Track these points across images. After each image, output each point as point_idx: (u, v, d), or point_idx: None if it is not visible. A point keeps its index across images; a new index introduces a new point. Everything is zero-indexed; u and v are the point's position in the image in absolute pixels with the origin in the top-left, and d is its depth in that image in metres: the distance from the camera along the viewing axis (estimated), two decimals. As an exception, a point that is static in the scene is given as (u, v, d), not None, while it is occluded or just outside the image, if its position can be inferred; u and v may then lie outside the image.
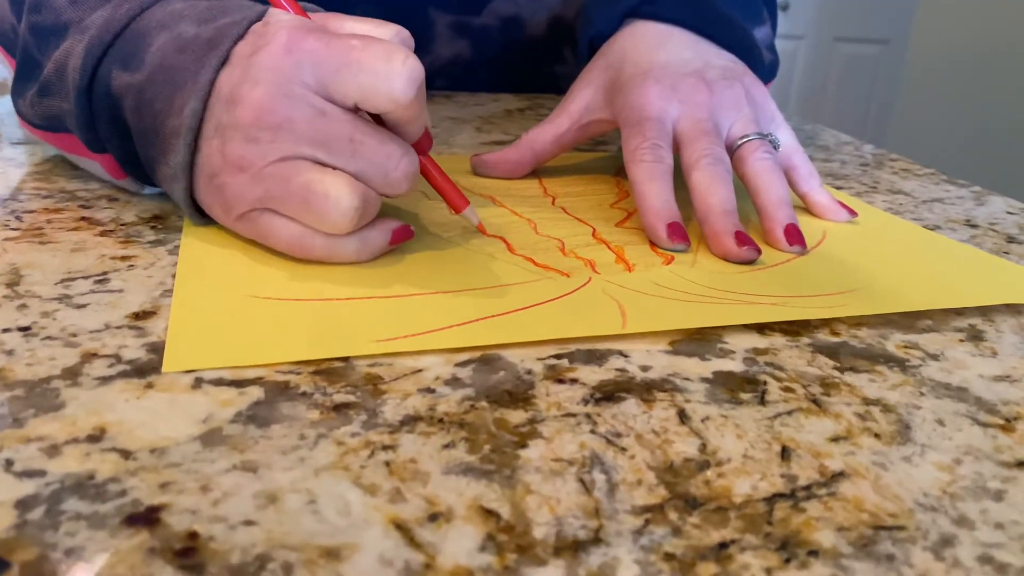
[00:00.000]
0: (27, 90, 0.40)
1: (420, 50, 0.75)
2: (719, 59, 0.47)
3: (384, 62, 0.31)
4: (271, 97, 0.31)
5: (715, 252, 0.37)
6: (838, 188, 0.51)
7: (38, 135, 0.42)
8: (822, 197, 0.45)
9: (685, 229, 0.38)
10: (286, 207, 0.32)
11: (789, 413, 0.25)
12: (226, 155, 0.32)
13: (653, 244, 0.38)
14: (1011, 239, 0.44)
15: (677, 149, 0.43)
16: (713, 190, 0.39)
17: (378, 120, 0.34)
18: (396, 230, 0.35)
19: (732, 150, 0.43)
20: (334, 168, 0.32)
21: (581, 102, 0.47)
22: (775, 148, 0.44)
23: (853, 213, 0.44)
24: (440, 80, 0.78)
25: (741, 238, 0.37)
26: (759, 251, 0.37)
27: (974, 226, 0.46)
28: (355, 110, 0.32)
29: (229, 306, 0.29)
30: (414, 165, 0.33)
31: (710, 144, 0.41)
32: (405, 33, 0.34)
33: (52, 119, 0.39)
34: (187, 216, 0.36)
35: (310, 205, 0.32)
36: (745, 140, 0.42)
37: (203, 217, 0.36)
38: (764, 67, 0.52)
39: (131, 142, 0.36)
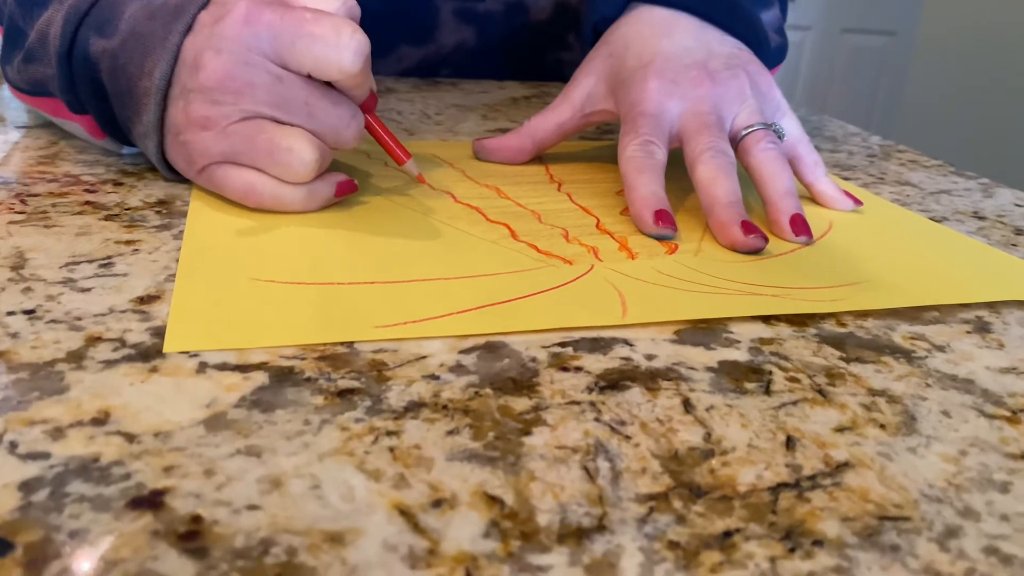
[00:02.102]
0: (14, 57, 0.43)
1: (425, 38, 0.75)
2: (723, 47, 0.46)
3: (334, 35, 0.35)
4: (232, 64, 0.35)
5: (722, 243, 0.37)
6: (845, 179, 0.51)
7: (26, 100, 0.45)
8: (827, 187, 0.45)
9: (673, 217, 0.38)
10: (252, 160, 0.36)
11: (794, 403, 0.25)
12: (190, 115, 0.36)
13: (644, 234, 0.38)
14: (1019, 231, 0.43)
15: (679, 144, 0.42)
16: (717, 182, 0.39)
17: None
18: (340, 183, 0.38)
19: (736, 141, 0.43)
20: (292, 126, 0.36)
21: (583, 91, 0.47)
22: (780, 138, 0.43)
23: (858, 202, 0.44)
24: (445, 68, 0.77)
25: (747, 227, 0.37)
26: (766, 239, 0.37)
27: (982, 218, 0.45)
28: (308, 77, 0.36)
29: (231, 289, 0.29)
30: (361, 124, 0.38)
31: (712, 137, 0.41)
32: (352, 3, 0.37)
33: (37, 84, 0.42)
34: (160, 170, 0.40)
35: (275, 158, 0.36)
36: (749, 131, 0.42)
37: (172, 172, 0.40)
38: (771, 51, 0.51)
39: (108, 104, 0.39)
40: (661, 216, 0.38)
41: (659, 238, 0.38)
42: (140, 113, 0.38)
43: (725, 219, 0.37)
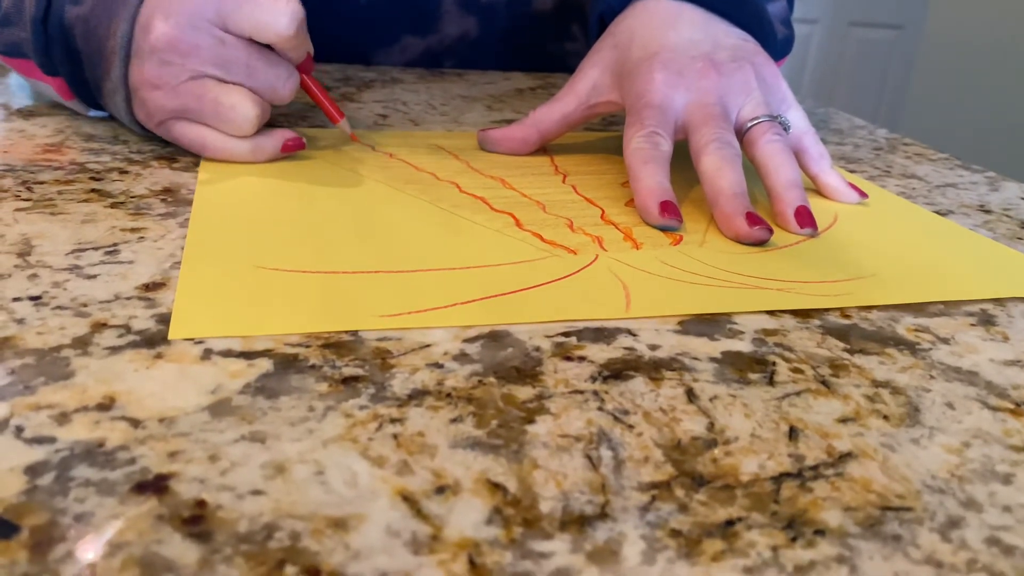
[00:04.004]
0: None
1: (428, 28, 0.75)
2: (729, 38, 0.46)
3: (272, 2, 0.39)
4: (179, 28, 0.39)
5: (726, 234, 0.37)
6: (851, 171, 0.51)
7: (3, 60, 0.48)
8: (832, 179, 0.44)
9: (678, 208, 0.38)
10: (200, 116, 0.41)
11: (798, 394, 0.25)
12: (144, 75, 0.40)
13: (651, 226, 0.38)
14: (1025, 225, 0.43)
15: (684, 136, 0.42)
16: (722, 173, 0.39)
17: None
18: (288, 140, 0.43)
19: (742, 133, 0.42)
20: (234, 84, 0.40)
21: (588, 82, 0.47)
22: (785, 129, 0.43)
23: (864, 195, 0.44)
24: (449, 59, 0.77)
25: (752, 218, 0.36)
26: (771, 231, 0.37)
27: (988, 212, 0.45)
28: (249, 40, 0.40)
29: (237, 276, 0.29)
30: (296, 82, 0.43)
31: (718, 129, 0.41)
32: None
33: (12, 46, 0.46)
34: (128, 125, 0.44)
35: (220, 114, 0.40)
36: (755, 123, 0.42)
37: (139, 126, 0.44)
38: (777, 43, 0.51)
39: (80, 67, 0.43)
40: (666, 207, 0.38)
41: (664, 229, 0.38)
42: (108, 71, 0.41)
43: (730, 210, 0.37)
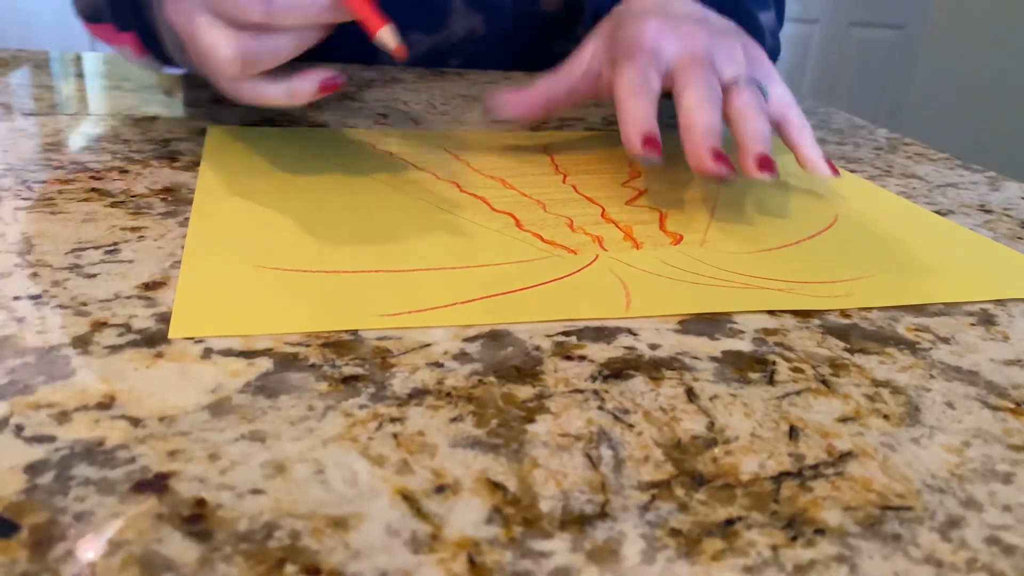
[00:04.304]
0: None
1: (436, 26, 0.75)
2: (721, 21, 0.47)
3: None
4: None
5: (692, 165, 0.38)
6: (852, 171, 0.51)
7: (91, 28, 0.50)
8: (810, 151, 0.45)
9: (660, 142, 0.38)
10: (203, 66, 0.37)
11: (798, 393, 0.25)
12: (166, 13, 0.39)
13: (663, 223, 0.38)
14: (1025, 225, 0.43)
15: (671, 83, 0.43)
16: (701, 110, 0.39)
17: None
18: (325, 80, 0.37)
19: (724, 90, 0.43)
20: (219, 17, 0.35)
21: (588, 51, 0.48)
22: (764, 95, 0.44)
23: (836, 172, 0.44)
24: (455, 58, 0.77)
25: (717, 156, 0.37)
26: (733, 171, 0.37)
27: (988, 211, 0.45)
28: None
29: (237, 275, 0.29)
30: None
31: (705, 73, 0.41)
32: None
33: (94, 10, 0.48)
34: (188, 69, 0.44)
35: (207, 61, 0.36)
36: (735, 83, 0.43)
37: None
38: (766, 48, 0.52)
39: (143, 15, 0.43)
40: (648, 140, 0.38)
41: (645, 163, 0.38)
42: (156, 13, 0.41)
43: (699, 143, 0.38)
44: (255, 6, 0.34)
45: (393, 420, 0.22)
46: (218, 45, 0.35)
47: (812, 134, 0.45)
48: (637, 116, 0.39)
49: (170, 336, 0.25)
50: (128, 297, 0.28)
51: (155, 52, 0.45)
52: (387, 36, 0.36)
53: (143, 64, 0.48)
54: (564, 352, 0.26)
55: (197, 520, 0.18)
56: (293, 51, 0.37)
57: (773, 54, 0.58)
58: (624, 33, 0.45)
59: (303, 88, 0.37)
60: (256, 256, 0.31)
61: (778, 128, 0.44)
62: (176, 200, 0.37)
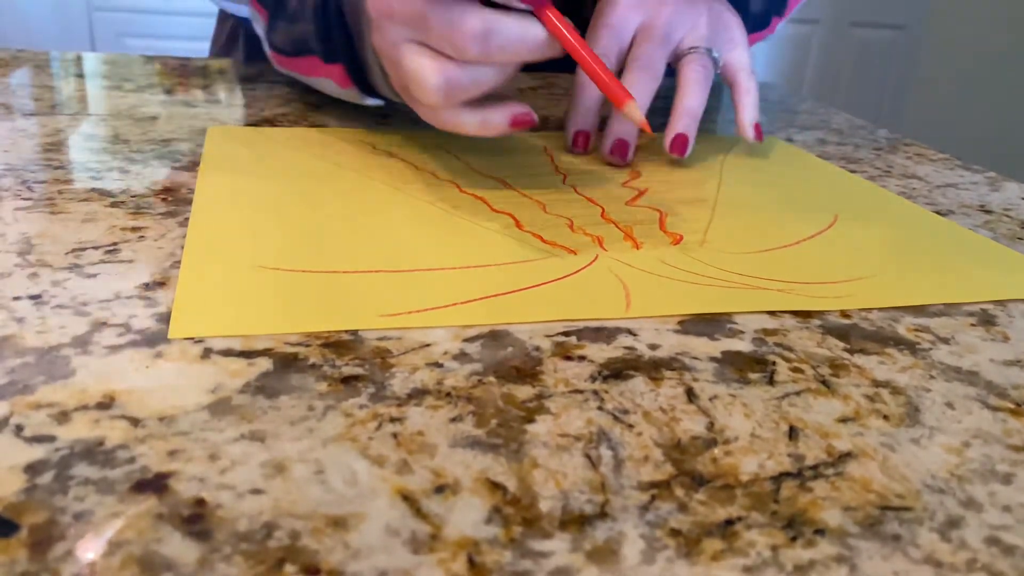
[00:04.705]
0: (280, 26, 0.49)
1: None
2: None
3: None
4: None
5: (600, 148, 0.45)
6: (852, 171, 0.51)
7: (287, 64, 0.50)
8: (744, 114, 0.49)
9: (590, 138, 0.47)
10: (407, 91, 0.38)
11: (797, 393, 0.25)
12: (374, 41, 0.39)
13: (662, 223, 0.38)
14: (1025, 225, 0.43)
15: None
16: (632, 89, 0.44)
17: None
18: (517, 114, 0.37)
19: (679, 59, 0.48)
20: (427, 46, 0.35)
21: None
22: (716, 63, 0.48)
23: (760, 138, 0.50)
24: None
25: (577, 138, 0.44)
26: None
27: (988, 212, 0.45)
28: None
29: (237, 276, 0.29)
30: (477, 23, 0.33)
31: (650, 49, 0.46)
32: None
33: (299, 43, 0.47)
34: (394, 99, 0.44)
35: (410, 85, 0.36)
36: (689, 52, 0.48)
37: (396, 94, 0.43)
38: (749, 13, 0.56)
39: (354, 48, 0.44)
40: (577, 139, 0.47)
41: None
42: (363, 43, 0.41)
43: (615, 126, 0.45)
44: (472, 47, 0.34)
45: (393, 420, 0.22)
46: (424, 74, 0.35)
47: (755, 99, 0.50)
48: (577, 112, 0.45)
49: (170, 336, 0.25)
50: (128, 297, 0.28)
51: (360, 83, 0.46)
52: (633, 111, 0.36)
53: (346, 95, 0.47)
54: (564, 352, 0.26)
55: (197, 520, 0.18)
56: (497, 82, 0.37)
57: (763, 18, 0.60)
58: (599, 6, 0.49)
59: (496, 121, 0.37)
60: (256, 256, 0.31)
61: (731, 90, 0.50)
62: (176, 200, 0.37)
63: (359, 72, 0.45)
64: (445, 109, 0.37)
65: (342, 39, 0.43)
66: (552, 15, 0.35)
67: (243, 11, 0.59)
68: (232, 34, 0.80)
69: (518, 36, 0.34)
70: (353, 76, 0.45)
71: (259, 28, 0.55)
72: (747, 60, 0.50)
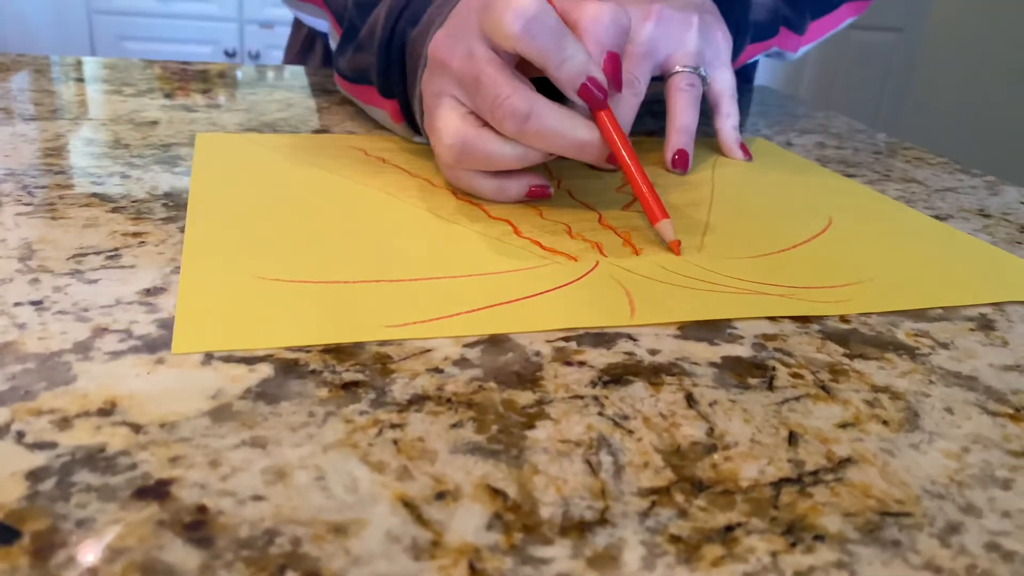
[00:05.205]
0: (348, 51, 0.49)
1: None
2: None
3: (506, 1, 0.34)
4: (442, 39, 0.37)
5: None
6: (850, 175, 0.51)
7: (346, 87, 0.51)
8: (727, 136, 0.50)
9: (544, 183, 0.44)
10: (433, 140, 0.38)
11: (797, 399, 0.25)
12: (421, 84, 0.39)
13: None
14: (1024, 229, 0.43)
15: None
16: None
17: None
18: (533, 186, 0.38)
19: (666, 77, 0.48)
20: (463, 106, 0.36)
21: None
22: (703, 82, 0.48)
23: (748, 156, 0.50)
24: None
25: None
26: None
27: (987, 216, 0.45)
28: (505, 54, 0.35)
29: (238, 287, 0.29)
30: (523, 103, 0.34)
31: (631, 66, 0.45)
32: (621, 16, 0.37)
33: (360, 72, 0.48)
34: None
35: (432, 136, 0.37)
36: (676, 71, 0.48)
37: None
38: (747, 22, 0.55)
39: (407, 86, 0.43)
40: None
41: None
42: (415, 84, 0.41)
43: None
44: (510, 123, 0.34)
45: (393, 426, 0.22)
46: (446, 131, 0.36)
47: (736, 123, 0.51)
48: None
49: (173, 352, 0.25)
50: (129, 303, 0.28)
51: (410, 122, 0.46)
52: (666, 229, 0.36)
53: (398, 130, 0.48)
54: (564, 358, 0.26)
55: (198, 527, 0.18)
56: (514, 165, 0.37)
57: (767, 28, 0.60)
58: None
59: (513, 191, 0.38)
60: (255, 267, 0.31)
61: (712, 112, 0.51)
62: (177, 205, 0.37)
63: (410, 111, 0.45)
64: (457, 170, 0.38)
65: (399, 77, 0.43)
66: (607, 118, 0.36)
67: (320, 24, 0.59)
68: (307, 43, 0.80)
69: (558, 129, 0.35)
70: (405, 112, 0.45)
71: (333, 44, 0.55)
72: (730, 82, 0.50)
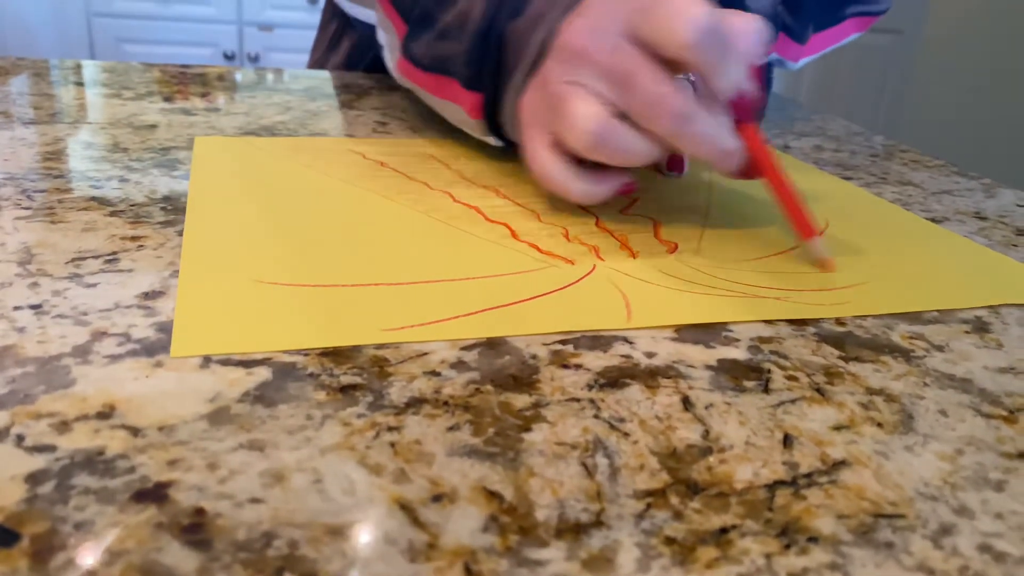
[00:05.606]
0: (423, 36, 0.48)
1: None
2: None
3: (684, 4, 0.33)
4: (582, 28, 0.36)
5: None
6: (847, 178, 0.51)
7: (414, 75, 0.50)
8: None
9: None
10: (551, 126, 0.37)
11: (792, 401, 0.25)
12: (540, 71, 0.38)
13: (657, 232, 0.38)
14: (1020, 232, 0.44)
15: None
16: None
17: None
18: (624, 183, 0.39)
19: None
20: (611, 103, 0.35)
21: None
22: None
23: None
24: None
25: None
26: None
27: (983, 218, 0.45)
28: (655, 55, 0.35)
29: (235, 291, 0.29)
30: (684, 105, 0.34)
31: None
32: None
33: (439, 60, 0.46)
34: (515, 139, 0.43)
35: (563, 124, 0.36)
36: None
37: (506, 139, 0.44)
38: None
39: (500, 82, 0.42)
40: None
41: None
42: (515, 76, 0.40)
43: None
44: (670, 123, 0.34)
45: (391, 429, 0.22)
46: (585, 116, 0.35)
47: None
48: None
49: (172, 355, 0.25)
50: (128, 306, 0.28)
51: (489, 119, 0.44)
52: (818, 247, 0.36)
53: (471, 125, 0.46)
54: (561, 361, 0.26)
55: (196, 529, 0.18)
56: (642, 162, 0.36)
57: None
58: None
59: (598, 189, 0.38)
60: (253, 270, 0.31)
61: None
62: (175, 209, 0.37)
63: (492, 107, 0.44)
64: (564, 163, 0.37)
65: (492, 69, 0.42)
66: (754, 132, 0.36)
67: (361, 14, 0.58)
68: (333, 41, 0.79)
69: (711, 134, 0.35)
70: (488, 108, 0.44)
71: (387, 36, 0.54)
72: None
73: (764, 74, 0.71)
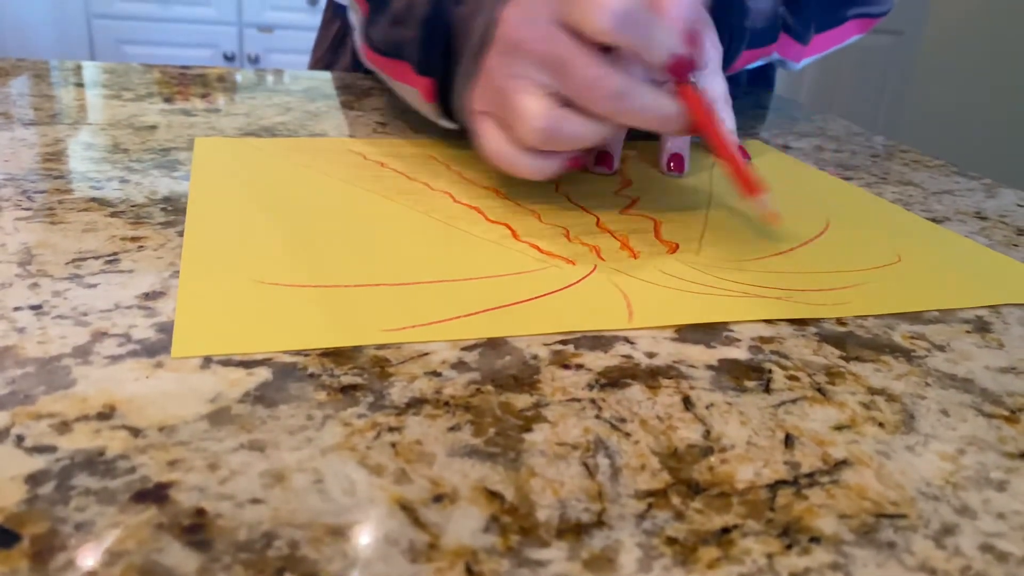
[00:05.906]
0: (380, 22, 0.48)
1: None
2: None
3: None
4: (518, 20, 0.37)
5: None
6: (847, 178, 0.51)
7: (377, 61, 0.50)
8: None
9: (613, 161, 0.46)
10: (502, 119, 0.37)
11: (793, 401, 0.25)
12: (483, 64, 0.39)
13: (658, 232, 0.38)
14: (1021, 232, 0.44)
15: None
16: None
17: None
18: (570, 158, 0.38)
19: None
20: (554, 90, 0.35)
21: None
22: (695, 89, 0.48)
23: (747, 157, 0.50)
24: None
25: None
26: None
27: (984, 218, 0.45)
28: (591, 41, 0.35)
29: (236, 292, 0.29)
30: (618, 84, 0.34)
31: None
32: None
33: (394, 46, 0.47)
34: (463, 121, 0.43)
35: (514, 119, 0.36)
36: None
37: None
38: (743, 28, 0.55)
39: (450, 67, 0.43)
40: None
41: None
42: (462, 65, 0.41)
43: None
44: (608, 104, 0.35)
45: (391, 429, 0.22)
46: (532, 114, 0.35)
47: (732, 124, 0.49)
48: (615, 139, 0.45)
49: (173, 356, 0.25)
50: (128, 307, 0.28)
51: (442, 103, 0.45)
52: (765, 203, 0.37)
53: (426, 109, 0.47)
54: (561, 361, 0.26)
55: (197, 529, 0.18)
56: (594, 143, 0.37)
57: (763, 34, 0.59)
58: None
59: (553, 167, 0.38)
60: (254, 270, 0.31)
61: None
62: (176, 209, 0.37)
63: (445, 91, 0.44)
64: (522, 151, 0.37)
65: (440, 55, 0.43)
66: (693, 92, 0.36)
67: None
68: (337, 40, 0.79)
69: (652, 105, 0.35)
70: (439, 94, 0.45)
71: (355, 18, 0.54)
72: (723, 88, 0.49)
73: (765, 74, 0.70)
